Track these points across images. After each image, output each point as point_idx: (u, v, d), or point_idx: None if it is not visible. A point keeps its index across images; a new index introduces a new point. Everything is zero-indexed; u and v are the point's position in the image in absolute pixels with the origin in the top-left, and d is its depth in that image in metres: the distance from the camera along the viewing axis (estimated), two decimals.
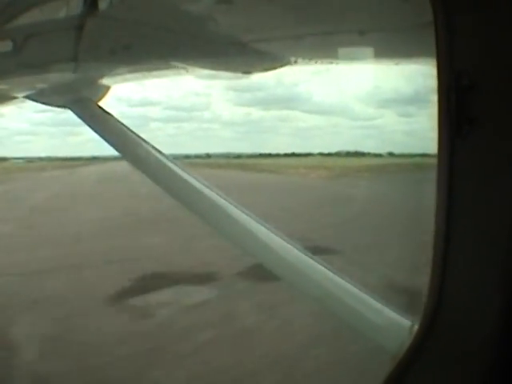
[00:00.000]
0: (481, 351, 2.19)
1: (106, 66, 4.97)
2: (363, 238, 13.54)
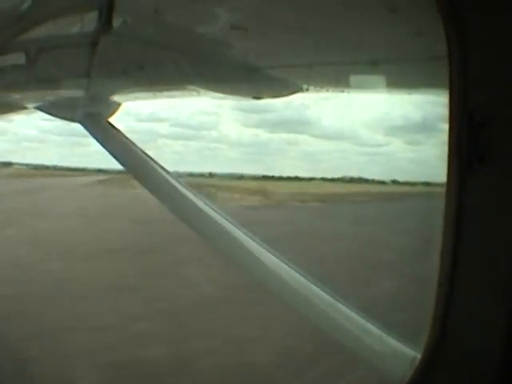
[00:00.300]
0: (485, 382, 2.18)
1: (117, 84, 4.98)
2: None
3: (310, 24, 3.72)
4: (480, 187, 2.12)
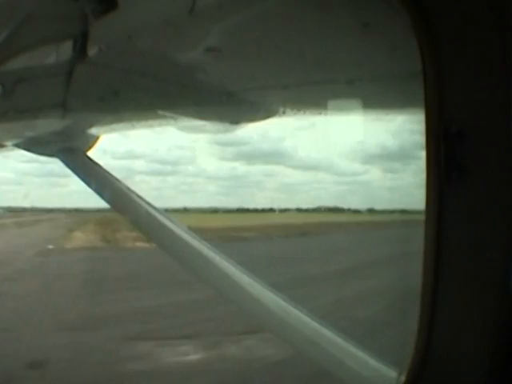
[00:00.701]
0: None
1: (94, 113, 4.97)
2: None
3: (284, 43, 3.72)
4: (459, 198, 2.12)
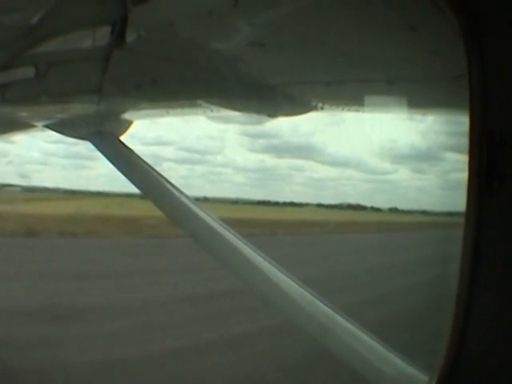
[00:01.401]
0: None
1: (130, 100, 4.95)
2: None
3: (328, 40, 3.69)
4: (499, 207, 2.09)
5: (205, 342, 9.59)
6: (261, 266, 4.46)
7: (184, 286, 12.25)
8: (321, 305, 4.20)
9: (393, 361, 3.84)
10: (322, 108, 4.54)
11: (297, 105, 4.55)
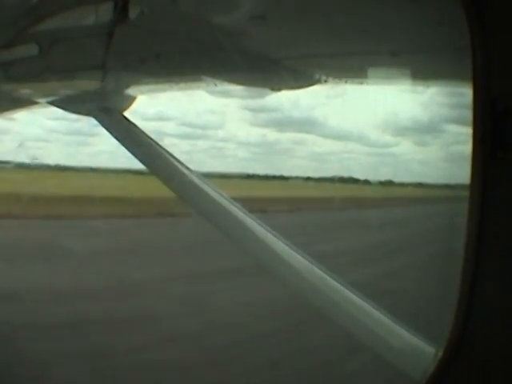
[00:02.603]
0: (508, 381, 2.16)
1: (134, 75, 4.94)
2: None
3: (331, 13, 3.69)
4: (504, 176, 2.11)
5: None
6: (268, 241, 4.47)
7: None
8: (328, 279, 4.22)
9: (400, 333, 3.86)
10: (325, 81, 4.53)
11: (300, 78, 4.55)
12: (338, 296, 4.14)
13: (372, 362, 4.39)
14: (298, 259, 4.36)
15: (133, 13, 4.10)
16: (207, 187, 4.82)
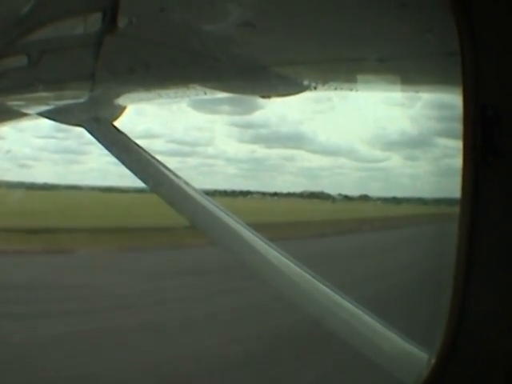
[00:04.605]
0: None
1: (123, 85, 4.94)
2: None
3: (319, 19, 3.70)
4: (494, 182, 2.12)
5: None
6: (261, 248, 4.48)
7: None
8: (319, 284, 4.22)
9: (392, 339, 3.87)
10: (315, 88, 4.55)
11: (290, 85, 4.55)
12: (330, 302, 4.15)
13: (365, 368, 4.39)
14: (287, 264, 4.36)
15: (121, 22, 4.10)
16: (198, 196, 4.82)
